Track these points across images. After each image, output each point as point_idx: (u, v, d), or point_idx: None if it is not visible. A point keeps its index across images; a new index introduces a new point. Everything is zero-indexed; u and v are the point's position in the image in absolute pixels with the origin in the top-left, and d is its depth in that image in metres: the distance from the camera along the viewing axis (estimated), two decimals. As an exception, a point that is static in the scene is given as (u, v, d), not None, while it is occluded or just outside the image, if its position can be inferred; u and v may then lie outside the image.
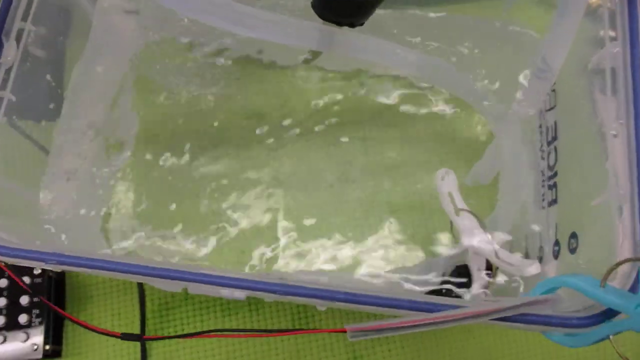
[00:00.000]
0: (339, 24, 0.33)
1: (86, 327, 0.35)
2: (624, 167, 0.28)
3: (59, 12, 0.38)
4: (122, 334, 0.35)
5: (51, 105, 0.37)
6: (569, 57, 0.33)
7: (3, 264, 0.34)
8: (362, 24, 0.33)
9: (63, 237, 0.39)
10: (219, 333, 0.32)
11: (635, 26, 0.30)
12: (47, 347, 0.43)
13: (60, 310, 0.40)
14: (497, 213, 0.41)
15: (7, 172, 0.32)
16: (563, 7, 0.31)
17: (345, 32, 0.34)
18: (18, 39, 0.32)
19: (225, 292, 0.27)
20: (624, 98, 0.29)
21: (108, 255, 0.27)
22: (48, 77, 0.36)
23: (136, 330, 0.44)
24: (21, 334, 0.43)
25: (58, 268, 0.28)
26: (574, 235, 0.33)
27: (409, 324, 0.24)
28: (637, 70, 0.30)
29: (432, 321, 0.24)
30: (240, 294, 0.27)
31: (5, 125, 0.32)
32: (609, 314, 0.26)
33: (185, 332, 0.44)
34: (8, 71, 0.31)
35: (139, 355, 0.44)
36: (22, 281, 0.42)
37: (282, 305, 0.45)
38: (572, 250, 0.33)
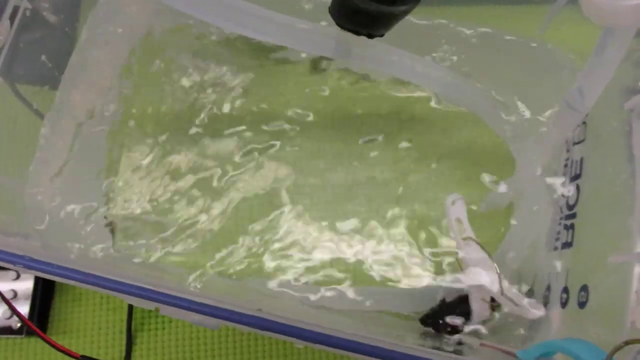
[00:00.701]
0: (357, 33, 0.30)
1: (49, 342, 0.35)
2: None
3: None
4: (81, 356, 0.34)
5: (46, 87, 0.36)
6: (607, 92, 0.31)
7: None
8: (381, 35, 0.31)
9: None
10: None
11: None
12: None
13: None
14: (508, 244, 0.39)
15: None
16: (604, 43, 0.28)
17: (363, 42, 0.31)
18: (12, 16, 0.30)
19: (197, 319, 0.25)
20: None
21: (80, 264, 0.26)
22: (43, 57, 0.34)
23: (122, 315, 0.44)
24: (6, 310, 0.42)
25: (26, 272, 0.26)
26: (584, 288, 0.30)
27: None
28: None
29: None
30: (212, 323, 0.25)
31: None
32: (610, 394, 0.23)
33: (172, 329, 0.44)
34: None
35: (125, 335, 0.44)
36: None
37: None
38: (581, 305, 0.30)
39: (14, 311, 0.38)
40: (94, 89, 0.42)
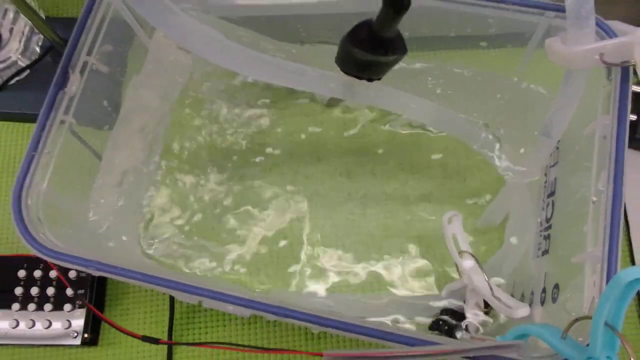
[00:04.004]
0: (359, 77, 0.37)
1: (112, 325, 0.40)
2: (599, 232, 0.31)
3: (117, 39, 0.43)
4: (142, 336, 0.39)
5: (106, 127, 0.42)
6: (573, 121, 0.36)
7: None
8: (379, 79, 0.37)
9: (110, 242, 0.44)
10: (223, 345, 0.37)
11: (624, 104, 0.33)
12: (86, 335, 0.48)
13: (93, 308, 0.45)
14: (501, 255, 0.44)
15: (62, 183, 0.37)
16: (566, 82, 0.34)
17: (365, 84, 0.38)
18: (82, 70, 0.37)
19: (231, 309, 0.31)
20: (607, 167, 0.32)
21: (139, 266, 0.32)
22: (105, 102, 0.41)
23: (164, 328, 0.50)
24: (64, 321, 0.48)
25: (96, 273, 0.32)
26: (556, 286, 0.36)
27: (380, 355, 0.27)
28: (621, 142, 0.32)
29: (404, 354, 0.28)
30: (245, 312, 0.31)
31: (65, 137, 0.37)
32: (567, 364, 0.29)
33: (208, 336, 0.49)
34: (72, 99, 0.37)
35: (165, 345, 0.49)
36: (67, 276, 0.49)
37: (289, 326, 0.49)
38: (554, 300, 0.35)
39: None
40: (140, 130, 0.49)
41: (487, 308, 0.43)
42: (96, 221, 0.43)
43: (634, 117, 0.53)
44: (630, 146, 0.54)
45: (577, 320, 0.28)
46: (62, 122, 0.36)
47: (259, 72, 0.35)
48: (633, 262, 0.49)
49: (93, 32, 0.38)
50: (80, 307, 0.49)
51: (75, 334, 0.48)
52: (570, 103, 0.36)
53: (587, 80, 0.35)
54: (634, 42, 0.32)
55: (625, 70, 0.35)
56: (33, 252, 0.33)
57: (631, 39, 0.32)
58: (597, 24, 0.35)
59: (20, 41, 0.56)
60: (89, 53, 0.38)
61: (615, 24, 0.35)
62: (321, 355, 0.27)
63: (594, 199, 0.32)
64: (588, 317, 0.27)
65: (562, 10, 0.37)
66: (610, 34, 0.35)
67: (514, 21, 0.39)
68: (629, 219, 0.51)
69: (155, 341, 0.40)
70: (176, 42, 0.44)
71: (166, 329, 0.49)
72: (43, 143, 0.35)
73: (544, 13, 0.38)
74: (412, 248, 0.49)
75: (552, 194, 0.41)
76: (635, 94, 0.55)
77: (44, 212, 0.34)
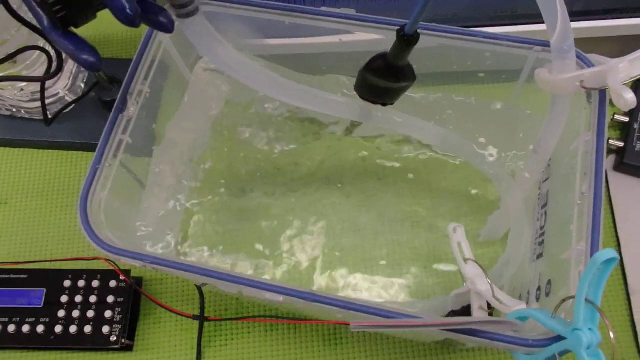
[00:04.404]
0: (374, 102, 0.43)
1: (161, 306, 0.47)
2: (583, 230, 0.37)
3: (162, 73, 0.49)
4: (193, 315, 0.46)
5: (153, 147, 0.49)
6: (561, 140, 0.42)
7: (113, 264, 0.46)
8: (392, 104, 0.43)
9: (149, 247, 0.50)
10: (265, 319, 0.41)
11: (602, 122, 0.39)
12: (123, 340, 0.52)
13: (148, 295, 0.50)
14: (503, 263, 0.49)
15: (117, 192, 0.42)
16: (553, 106, 0.40)
17: (380, 109, 0.44)
18: (138, 97, 0.44)
19: (268, 296, 0.36)
20: (589, 174, 0.38)
21: (186, 260, 0.37)
22: (154, 126, 0.47)
23: (193, 335, 0.54)
24: (105, 327, 0.53)
25: (150, 267, 0.38)
26: (549, 282, 0.41)
27: (400, 325, 0.32)
28: (600, 153, 0.38)
29: (415, 324, 0.33)
30: (279, 298, 0.36)
31: (119, 162, 0.43)
32: (558, 339, 0.33)
33: (233, 343, 0.54)
34: (129, 121, 0.43)
35: (195, 350, 0.53)
36: (109, 285, 0.54)
37: (316, 327, 0.54)
38: (547, 294, 0.40)
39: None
40: (178, 159, 0.55)
41: (490, 309, 0.48)
42: (140, 227, 0.48)
43: (621, 144, 0.59)
44: (618, 170, 0.60)
45: (563, 300, 0.33)
46: (121, 140, 0.42)
47: (292, 97, 0.41)
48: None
49: (147, 66, 0.45)
50: (119, 314, 0.53)
51: (115, 339, 0.52)
52: (557, 124, 0.42)
53: (571, 104, 0.41)
54: (608, 70, 0.38)
55: (603, 93, 0.41)
56: (97, 249, 0.38)
57: (606, 68, 0.38)
58: (578, 57, 0.41)
59: (69, 78, 0.63)
60: (142, 83, 0.44)
61: (593, 57, 0.41)
62: (348, 324, 0.32)
63: (579, 202, 0.38)
64: (572, 297, 0.32)
65: (547, 45, 0.43)
66: (589, 64, 0.41)
67: (508, 55, 0.45)
68: (619, 236, 0.56)
69: (205, 318, 0.47)
70: (220, 70, 0.50)
71: (195, 336, 0.54)
72: (105, 157, 0.41)
73: (532, 48, 0.44)
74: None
75: (545, 205, 0.46)
76: (621, 123, 0.61)
77: (105, 216, 0.40)
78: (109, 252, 0.38)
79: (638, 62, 0.37)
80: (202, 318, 0.50)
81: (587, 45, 0.44)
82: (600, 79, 0.38)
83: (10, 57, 0.44)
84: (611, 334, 0.31)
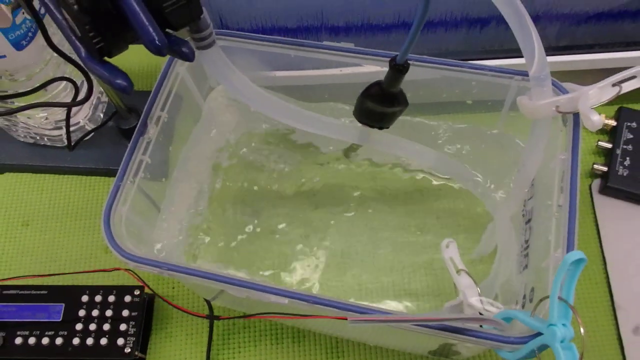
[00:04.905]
0: (371, 126, 0.47)
1: (174, 306, 0.51)
2: (560, 239, 0.40)
3: (178, 101, 0.53)
4: (206, 315, 0.50)
5: (169, 168, 0.53)
6: (543, 160, 0.46)
7: (133, 272, 0.49)
8: (387, 127, 0.47)
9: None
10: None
11: (576, 142, 0.43)
12: (137, 353, 0.55)
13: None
14: (493, 276, 0.53)
15: (136, 208, 0.46)
16: (534, 129, 0.45)
17: (377, 132, 0.48)
18: (157, 122, 0.48)
19: (272, 298, 0.40)
20: (565, 189, 0.42)
21: (199, 267, 0.41)
22: (170, 148, 0.52)
23: (203, 348, 0.58)
24: (120, 339, 0.56)
25: (167, 274, 0.42)
26: (532, 289, 0.44)
27: (396, 319, 0.36)
28: (575, 169, 0.42)
29: (407, 319, 0.36)
30: (283, 300, 0.40)
31: (142, 174, 0.47)
32: (536, 335, 0.37)
33: (242, 353, 0.57)
34: (148, 144, 0.47)
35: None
36: (124, 300, 0.57)
37: (320, 338, 0.57)
38: (531, 300, 0.44)
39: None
40: (194, 181, 0.59)
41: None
42: (155, 240, 0.52)
43: (605, 169, 0.63)
44: (603, 193, 0.64)
45: (541, 300, 0.37)
46: (141, 160, 0.46)
47: (298, 121, 0.46)
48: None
49: (165, 94, 0.49)
50: (134, 327, 0.57)
51: (129, 350, 0.55)
52: (538, 146, 0.46)
53: (550, 128, 0.45)
54: (579, 96, 0.42)
55: (577, 117, 0.45)
56: (118, 257, 0.42)
57: (577, 94, 0.42)
58: (554, 85, 0.46)
59: (89, 108, 0.68)
60: (161, 109, 0.49)
61: (568, 85, 0.45)
62: (345, 319, 0.35)
63: (556, 214, 0.42)
64: (548, 297, 0.36)
65: (526, 74, 0.47)
66: (564, 91, 0.45)
67: (493, 84, 0.49)
68: (605, 255, 0.60)
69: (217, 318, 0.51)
70: (233, 96, 0.54)
71: (205, 349, 0.57)
72: (127, 176, 0.45)
73: (513, 77, 0.49)
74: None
75: (529, 220, 0.50)
76: (605, 148, 0.65)
77: (126, 229, 0.44)
78: (129, 260, 0.42)
79: (606, 89, 0.42)
80: (211, 317, 0.53)
81: (572, 77, 0.48)
82: (573, 104, 0.42)
83: (43, 86, 0.49)
84: (581, 329, 0.34)
